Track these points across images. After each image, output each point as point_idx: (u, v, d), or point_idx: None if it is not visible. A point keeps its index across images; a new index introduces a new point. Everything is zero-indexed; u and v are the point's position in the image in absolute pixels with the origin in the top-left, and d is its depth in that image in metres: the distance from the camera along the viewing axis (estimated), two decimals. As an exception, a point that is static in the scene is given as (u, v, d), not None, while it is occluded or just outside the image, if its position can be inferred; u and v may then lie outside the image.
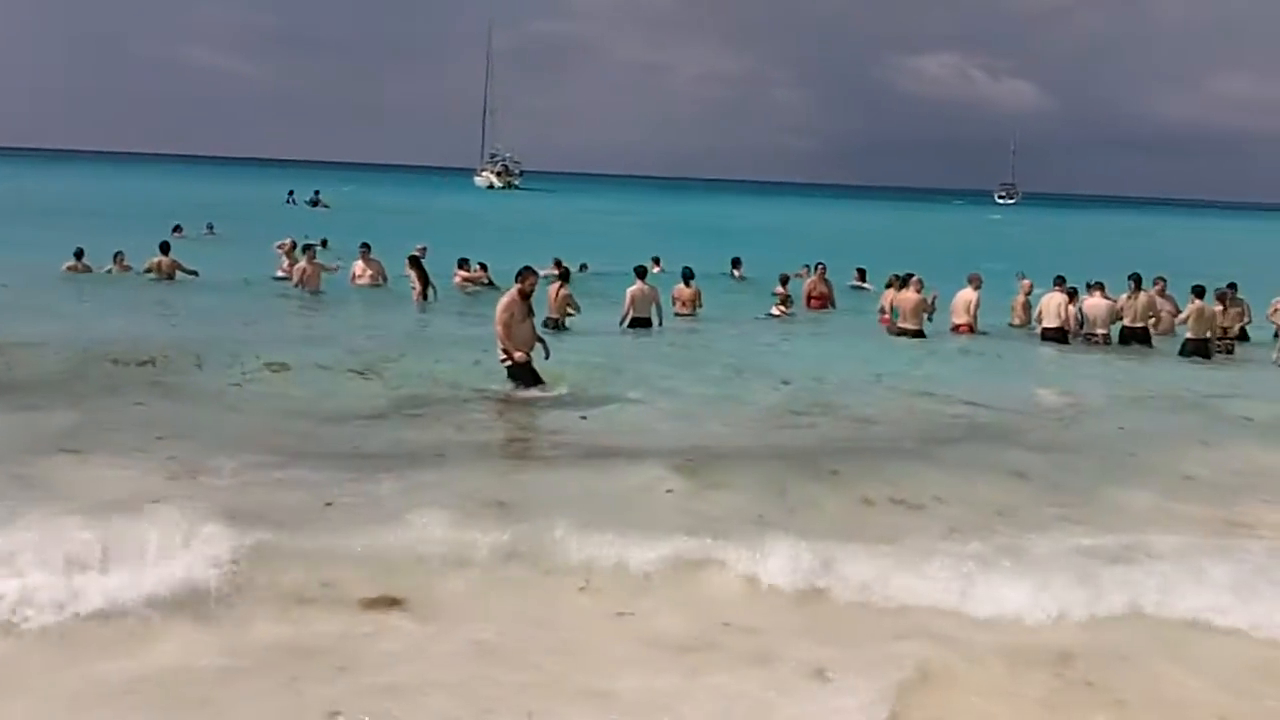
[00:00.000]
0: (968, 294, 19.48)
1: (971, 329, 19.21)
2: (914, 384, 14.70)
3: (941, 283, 19.90)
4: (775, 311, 21.41)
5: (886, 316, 19.80)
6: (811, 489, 9.08)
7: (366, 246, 23.66)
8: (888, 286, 20.59)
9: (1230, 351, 18.23)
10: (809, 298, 23.37)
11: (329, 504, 8.09)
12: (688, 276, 21.40)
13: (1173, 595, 6.84)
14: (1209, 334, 17.81)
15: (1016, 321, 20.35)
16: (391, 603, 6.63)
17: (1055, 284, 19.17)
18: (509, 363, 12.60)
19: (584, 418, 11.84)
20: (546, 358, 12.96)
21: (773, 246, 37.00)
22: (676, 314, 20.59)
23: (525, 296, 12.69)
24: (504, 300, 12.76)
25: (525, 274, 12.86)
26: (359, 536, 7.29)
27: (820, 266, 24.04)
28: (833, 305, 23.46)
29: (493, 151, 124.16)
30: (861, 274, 26.38)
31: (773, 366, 15.75)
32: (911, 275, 19.66)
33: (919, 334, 18.66)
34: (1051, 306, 18.73)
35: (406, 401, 12.36)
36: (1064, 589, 6.90)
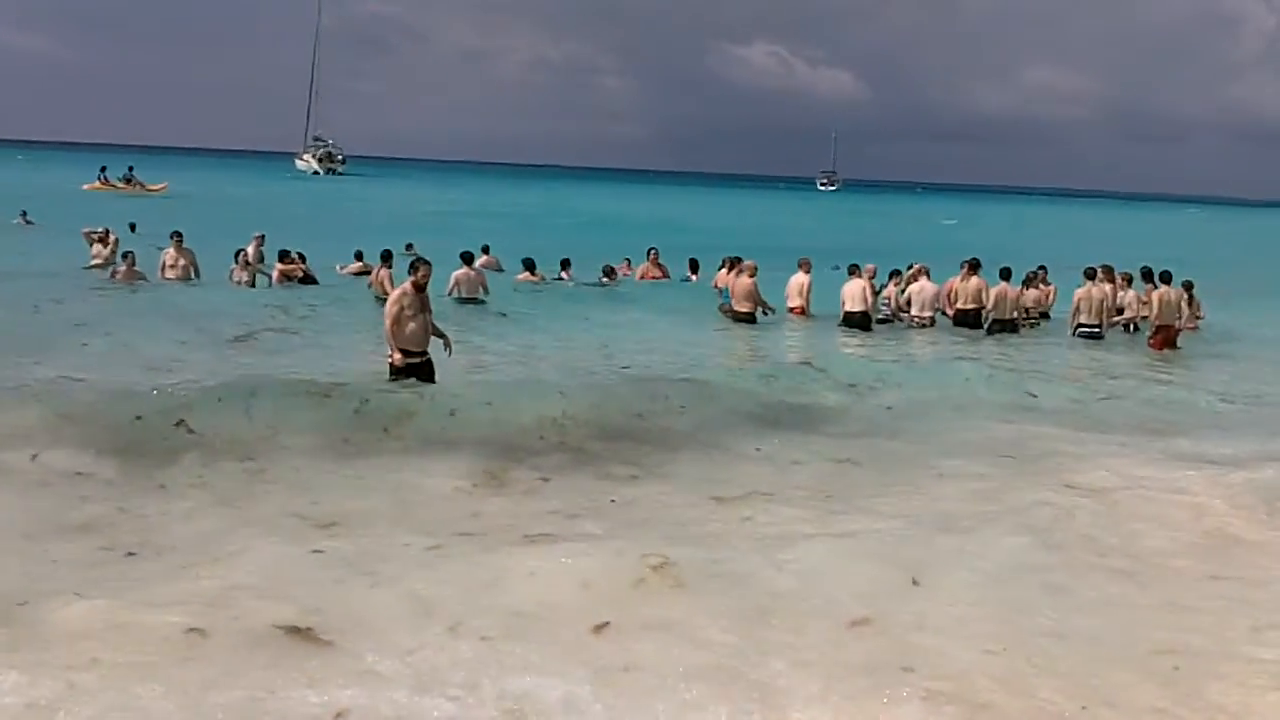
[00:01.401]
0: (800, 278, 19.88)
1: (804, 311, 19.69)
2: (721, 365, 15.04)
3: (777, 267, 20.19)
4: (604, 280, 21.95)
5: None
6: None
7: (178, 235, 22.09)
8: (720, 268, 20.99)
9: (1035, 325, 19.41)
10: (644, 278, 23.74)
11: (130, 553, 7.23)
12: (530, 266, 21.85)
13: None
14: (1014, 314, 18.89)
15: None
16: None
17: (849, 272, 19.42)
18: (393, 363, 11.91)
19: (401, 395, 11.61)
20: (449, 354, 12.27)
21: (605, 236, 37.17)
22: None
23: (419, 289, 11.91)
24: (394, 292, 12.08)
25: (418, 265, 12.08)
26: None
27: (652, 251, 24.38)
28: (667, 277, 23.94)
29: (316, 135, 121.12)
30: (694, 265, 26.48)
31: (601, 345, 16.08)
32: (741, 259, 20.14)
33: (750, 317, 18.90)
34: (855, 292, 18.91)
35: (214, 395, 11.41)
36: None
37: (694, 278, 24.18)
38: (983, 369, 15.46)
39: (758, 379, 13.86)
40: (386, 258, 20.14)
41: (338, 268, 23.55)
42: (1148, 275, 19.27)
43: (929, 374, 15.14)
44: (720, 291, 20.42)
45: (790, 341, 18.03)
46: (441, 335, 12.21)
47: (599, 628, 6.07)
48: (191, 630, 5.80)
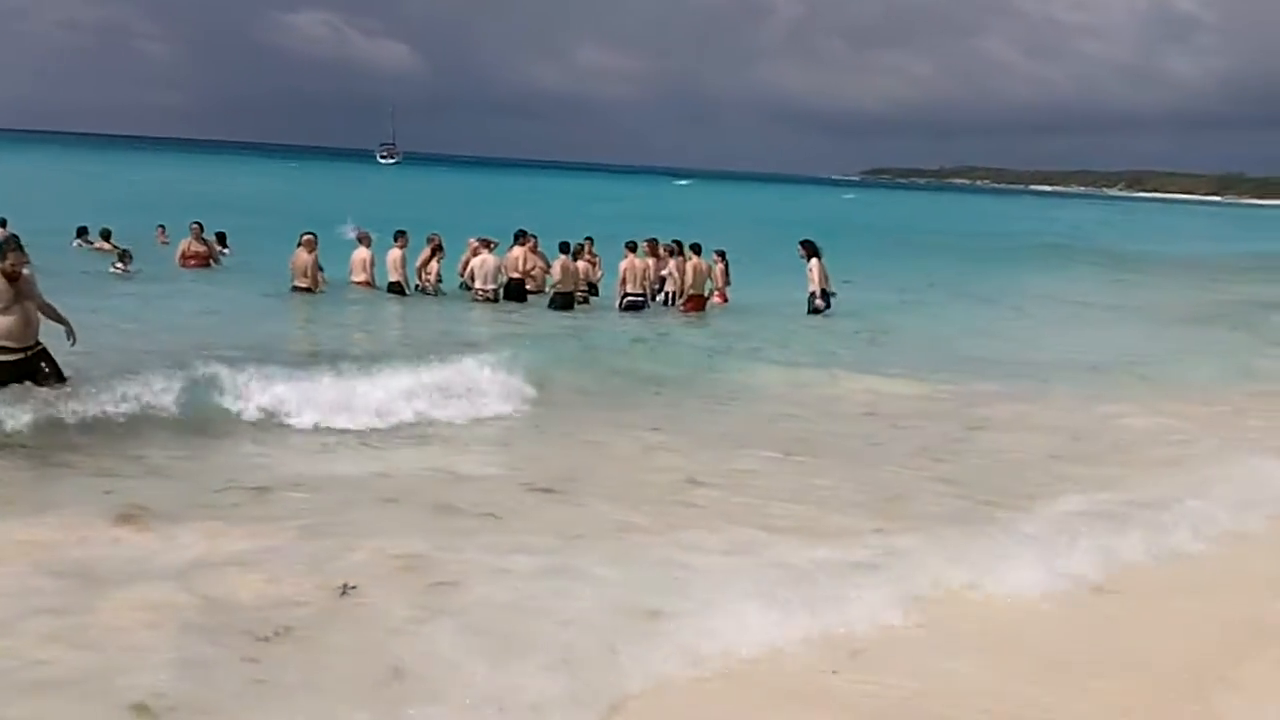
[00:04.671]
0: (362, 253, 20.12)
1: (370, 284, 19.83)
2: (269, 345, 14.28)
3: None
4: (116, 268, 20.52)
5: None
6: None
7: None
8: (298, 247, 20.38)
9: (586, 301, 20.23)
10: (184, 257, 22.52)
11: None
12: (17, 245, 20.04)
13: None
14: (573, 288, 19.65)
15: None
16: None
17: (396, 240, 20.08)
18: None
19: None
20: (71, 343, 10.43)
21: (145, 210, 34.38)
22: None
23: (10, 279, 9.92)
24: None
25: (7, 251, 10.07)
26: None
27: (195, 226, 23.08)
28: (216, 262, 22.78)
29: None
30: (221, 238, 25.11)
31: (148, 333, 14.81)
32: (310, 235, 19.52)
33: (309, 291, 18.99)
34: (394, 261, 19.75)
35: None
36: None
37: (226, 250, 23.98)
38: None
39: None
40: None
41: None
42: (680, 248, 20.69)
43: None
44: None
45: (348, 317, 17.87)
46: (63, 322, 10.54)
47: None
48: None
